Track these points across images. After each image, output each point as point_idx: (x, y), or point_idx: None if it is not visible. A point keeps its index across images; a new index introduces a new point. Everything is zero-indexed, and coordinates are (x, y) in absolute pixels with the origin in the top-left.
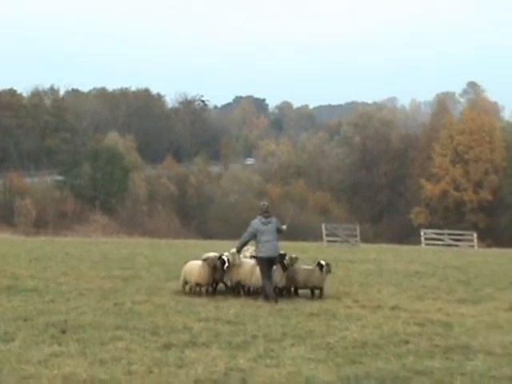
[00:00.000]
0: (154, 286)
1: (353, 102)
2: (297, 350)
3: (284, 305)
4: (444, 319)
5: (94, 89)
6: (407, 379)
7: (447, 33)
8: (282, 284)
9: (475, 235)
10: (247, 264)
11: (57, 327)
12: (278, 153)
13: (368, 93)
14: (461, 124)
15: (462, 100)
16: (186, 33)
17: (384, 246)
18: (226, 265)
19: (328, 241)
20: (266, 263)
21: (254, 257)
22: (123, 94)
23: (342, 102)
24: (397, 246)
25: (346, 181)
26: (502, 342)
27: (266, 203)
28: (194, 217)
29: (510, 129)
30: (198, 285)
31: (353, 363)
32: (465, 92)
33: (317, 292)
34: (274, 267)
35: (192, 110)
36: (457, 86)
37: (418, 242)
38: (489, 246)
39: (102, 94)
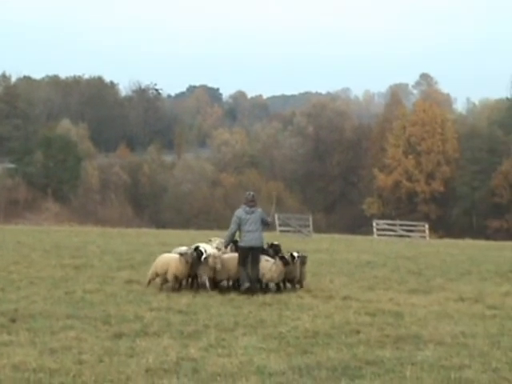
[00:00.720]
0: (105, 274)
1: (307, 93)
2: (248, 340)
3: (236, 295)
4: (395, 309)
5: (46, 76)
6: (358, 369)
7: (400, 25)
8: (280, 279)
9: (427, 226)
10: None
11: (6, 316)
12: (232, 142)
13: (322, 83)
14: (413, 115)
15: (414, 91)
16: (138, 21)
17: (336, 236)
18: (204, 256)
19: (281, 231)
20: (247, 253)
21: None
22: (76, 81)
23: (296, 92)
24: (349, 237)
25: (299, 171)
26: (452, 331)
27: (251, 193)
28: (147, 206)
29: (462, 121)
30: (176, 278)
31: (304, 353)
32: (418, 83)
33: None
34: (268, 258)
35: (145, 98)
36: (410, 78)
37: (371, 233)
38: (440, 236)
39: (54, 81)
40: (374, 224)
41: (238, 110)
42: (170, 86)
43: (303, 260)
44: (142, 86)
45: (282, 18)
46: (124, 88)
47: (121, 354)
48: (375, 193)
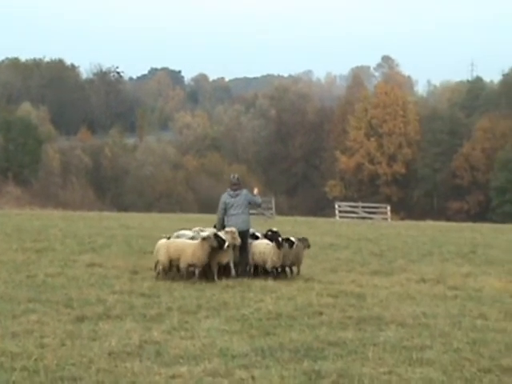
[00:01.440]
0: (67, 258)
1: (269, 75)
2: (211, 322)
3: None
4: (357, 291)
5: (6, 59)
6: (320, 350)
7: (361, 7)
8: (278, 264)
9: (389, 208)
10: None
11: None
12: (194, 125)
13: (284, 66)
14: (375, 98)
15: (376, 74)
16: (100, 3)
17: (299, 218)
18: (226, 244)
19: None
20: None
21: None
22: (36, 64)
23: (259, 74)
24: (312, 219)
25: (261, 153)
26: (414, 312)
27: (235, 175)
28: (109, 189)
29: (423, 103)
30: (191, 266)
31: (267, 334)
32: (379, 66)
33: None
34: (269, 242)
35: (107, 81)
36: (371, 60)
37: (333, 215)
38: (402, 218)
39: (14, 64)
40: (337, 206)
41: (200, 92)
42: (132, 68)
43: (306, 244)
44: (104, 69)
45: (244, 1)
46: (85, 71)
47: (83, 337)
48: (337, 175)
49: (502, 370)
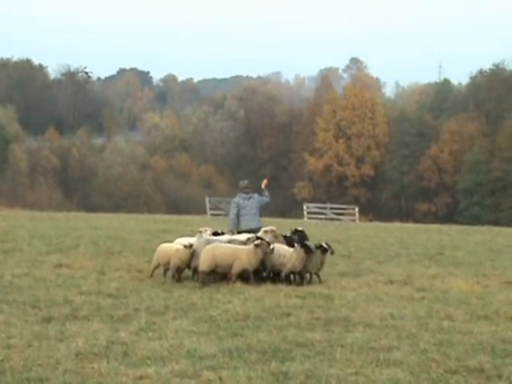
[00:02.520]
0: (34, 259)
1: (237, 76)
2: (179, 323)
3: (167, 278)
4: (325, 292)
5: None
6: (288, 351)
7: (329, 8)
8: (299, 269)
9: (357, 209)
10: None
11: None
12: (162, 126)
13: (253, 67)
14: (343, 99)
15: (345, 75)
16: (67, 3)
17: (267, 219)
18: (272, 247)
19: (212, 214)
20: None
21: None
22: (3, 64)
23: (227, 75)
24: (280, 220)
25: (230, 154)
26: (381, 314)
27: (245, 181)
28: (77, 189)
29: (391, 105)
30: (245, 271)
31: (235, 336)
32: (348, 67)
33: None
34: (285, 246)
35: (75, 81)
36: (340, 62)
37: (301, 216)
38: (370, 219)
39: None
40: (305, 207)
41: (169, 93)
42: (100, 69)
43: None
44: (71, 69)
45: (212, 2)
46: (53, 71)
47: (50, 338)
48: (306, 176)
49: (468, 371)
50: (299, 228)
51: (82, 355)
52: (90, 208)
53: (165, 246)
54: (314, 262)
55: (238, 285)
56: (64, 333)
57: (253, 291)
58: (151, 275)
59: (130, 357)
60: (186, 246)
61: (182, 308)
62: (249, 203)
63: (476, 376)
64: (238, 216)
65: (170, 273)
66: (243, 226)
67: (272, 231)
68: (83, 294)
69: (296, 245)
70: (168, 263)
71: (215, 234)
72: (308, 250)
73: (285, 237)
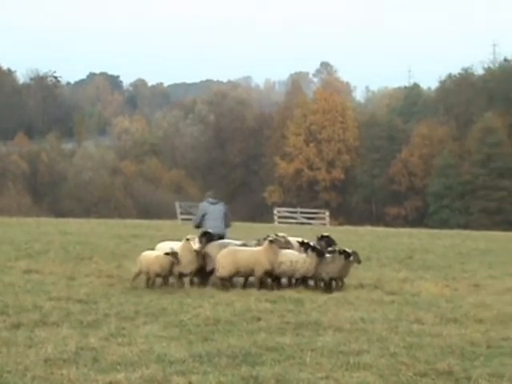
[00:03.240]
0: (3, 264)
1: (208, 80)
2: (149, 328)
3: (138, 283)
4: (296, 296)
5: None
6: (258, 355)
7: (299, 13)
8: (312, 273)
9: (327, 213)
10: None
11: None
12: (132, 130)
13: (223, 71)
14: (314, 104)
15: (315, 80)
16: (37, 7)
17: (238, 223)
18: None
19: (182, 219)
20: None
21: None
22: None
23: (197, 80)
24: (250, 224)
25: (200, 159)
26: (352, 318)
27: (211, 192)
28: (46, 194)
29: (362, 109)
30: (267, 272)
31: (205, 340)
32: (318, 72)
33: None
34: (294, 252)
35: (44, 86)
36: (310, 66)
37: (272, 220)
38: (340, 223)
39: None
40: (275, 212)
41: (139, 97)
42: (70, 73)
43: (357, 258)
44: (41, 74)
45: (182, 6)
46: (22, 75)
47: (19, 344)
48: (276, 181)
49: (437, 374)
50: (325, 233)
51: (51, 361)
52: (60, 213)
53: (146, 253)
54: (333, 267)
55: (209, 289)
56: (33, 339)
57: (223, 295)
58: (132, 283)
59: (100, 362)
60: (167, 254)
61: (152, 313)
62: (214, 209)
63: (445, 379)
64: (202, 218)
65: (153, 280)
66: (206, 228)
67: (283, 237)
68: (53, 300)
69: (308, 250)
70: (148, 271)
71: (205, 234)
72: (320, 254)
73: (301, 243)
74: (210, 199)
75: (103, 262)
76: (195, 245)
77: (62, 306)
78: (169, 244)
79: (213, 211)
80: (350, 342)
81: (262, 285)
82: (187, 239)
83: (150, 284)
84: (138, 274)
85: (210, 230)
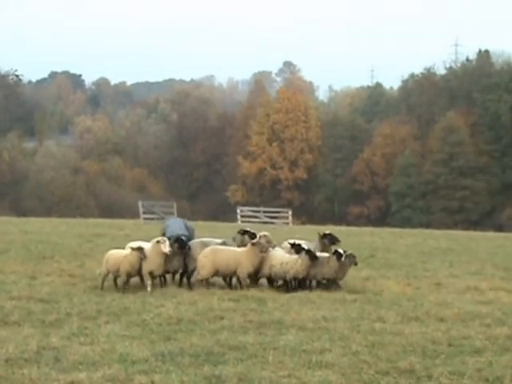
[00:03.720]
0: None
1: (170, 80)
2: (111, 328)
3: (100, 282)
4: (258, 295)
5: None
6: (221, 354)
7: (262, 12)
8: (303, 275)
9: (290, 212)
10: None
11: None
12: (95, 129)
13: (186, 70)
14: (277, 103)
15: (278, 79)
16: None
17: (201, 222)
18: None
19: (145, 218)
20: None
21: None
22: None
23: (160, 79)
24: (213, 223)
25: (163, 158)
26: (314, 316)
27: None
28: (7, 193)
29: (324, 108)
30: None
31: (167, 339)
32: (281, 71)
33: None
34: (284, 253)
35: (5, 84)
36: (273, 66)
37: (235, 220)
38: (303, 223)
39: None
40: (238, 211)
41: (101, 96)
42: (31, 72)
43: (353, 261)
44: (2, 72)
45: (144, 6)
46: None
47: None
48: (239, 180)
49: (399, 373)
50: (327, 231)
51: (12, 361)
52: (22, 212)
53: (113, 252)
54: (327, 269)
55: (171, 288)
56: None
57: (186, 295)
58: (101, 287)
59: (62, 362)
60: (133, 249)
61: (114, 312)
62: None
63: (407, 377)
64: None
65: (120, 280)
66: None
67: (265, 236)
68: (14, 300)
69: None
70: (118, 270)
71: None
72: (313, 257)
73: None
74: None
75: (65, 261)
76: (165, 248)
77: (23, 305)
78: (139, 244)
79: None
80: (312, 341)
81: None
82: (157, 241)
83: (119, 283)
84: (106, 275)
85: (182, 237)
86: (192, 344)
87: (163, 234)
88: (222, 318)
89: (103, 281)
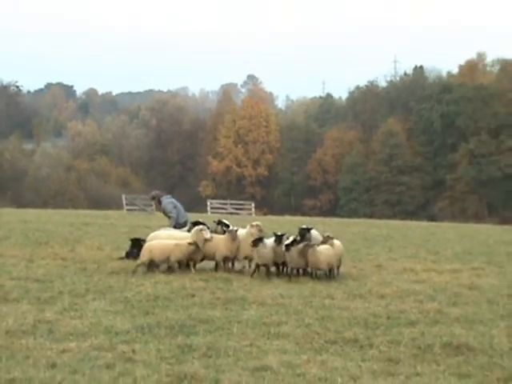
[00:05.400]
0: None
1: (150, 90)
2: (98, 304)
3: (88, 264)
4: (225, 276)
5: None
6: (192, 327)
7: (228, 31)
8: (228, 254)
9: (253, 205)
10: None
11: None
12: (85, 133)
13: (163, 82)
14: (242, 110)
15: (243, 90)
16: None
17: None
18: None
19: (128, 209)
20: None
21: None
22: None
23: (141, 89)
24: (187, 214)
25: (144, 157)
26: (273, 294)
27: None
28: (9, 188)
29: (283, 115)
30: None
31: (146, 314)
32: (245, 83)
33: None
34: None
35: (7, 94)
36: (238, 78)
37: (205, 211)
38: (264, 213)
39: None
40: (208, 203)
41: (90, 104)
42: (30, 83)
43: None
44: (4, 83)
45: (129, 21)
46: None
47: None
48: (209, 177)
49: (345, 342)
50: (304, 226)
51: (11, 333)
52: (21, 204)
53: (157, 243)
54: (262, 253)
55: (151, 270)
56: None
57: (162, 276)
58: (135, 271)
59: (55, 333)
60: (190, 244)
61: (100, 290)
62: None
63: (351, 345)
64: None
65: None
66: (181, 219)
67: (257, 225)
68: (13, 280)
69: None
70: (167, 259)
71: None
72: (233, 236)
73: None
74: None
75: (58, 246)
76: (207, 234)
77: (21, 284)
78: (164, 233)
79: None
80: (271, 315)
81: (217, 267)
82: (200, 230)
83: (161, 269)
84: (143, 264)
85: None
86: (167, 318)
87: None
88: (193, 296)
89: (136, 269)
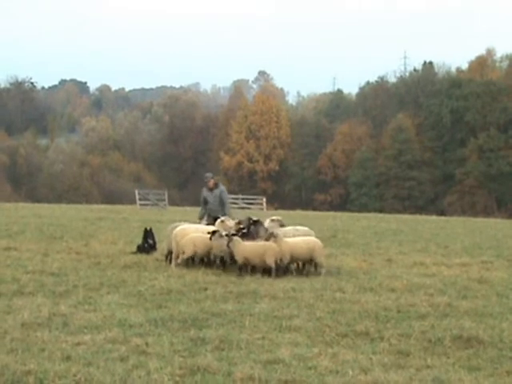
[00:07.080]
0: None
1: (163, 86)
2: (112, 297)
3: (102, 258)
4: (237, 270)
5: None
6: (205, 320)
7: (241, 28)
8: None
9: (264, 199)
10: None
11: None
12: (98, 128)
13: (176, 78)
14: (253, 106)
15: (254, 86)
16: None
17: (188, 208)
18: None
19: (141, 204)
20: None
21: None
22: None
23: (154, 85)
24: (199, 208)
25: (156, 153)
26: (284, 287)
27: (207, 175)
28: (24, 183)
29: (293, 111)
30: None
31: (159, 307)
32: (256, 79)
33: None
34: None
35: (22, 90)
36: (250, 74)
37: None
38: (276, 208)
39: None
40: None
41: (104, 100)
42: (44, 79)
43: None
44: (19, 80)
45: (142, 18)
46: (3, 81)
47: None
48: (221, 172)
49: (356, 335)
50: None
51: (27, 325)
52: (36, 199)
53: (197, 236)
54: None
55: (163, 264)
56: (11, 306)
57: (175, 269)
58: (177, 264)
59: (69, 326)
60: (227, 235)
61: (114, 284)
62: (211, 196)
63: (362, 338)
64: (204, 207)
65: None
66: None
67: (278, 220)
68: (29, 273)
69: None
70: (207, 253)
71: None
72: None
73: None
74: (205, 188)
75: (72, 240)
76: (230, 223)
77: (36, 278)
78: (191, 226)
79: (211, 199)
80: (282, 308)
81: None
82: (222, 221)
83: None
84: (188, 258)
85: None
86: (180, 311)
87: (205, 203)
88: (206, 289)
89: (179, 263)
